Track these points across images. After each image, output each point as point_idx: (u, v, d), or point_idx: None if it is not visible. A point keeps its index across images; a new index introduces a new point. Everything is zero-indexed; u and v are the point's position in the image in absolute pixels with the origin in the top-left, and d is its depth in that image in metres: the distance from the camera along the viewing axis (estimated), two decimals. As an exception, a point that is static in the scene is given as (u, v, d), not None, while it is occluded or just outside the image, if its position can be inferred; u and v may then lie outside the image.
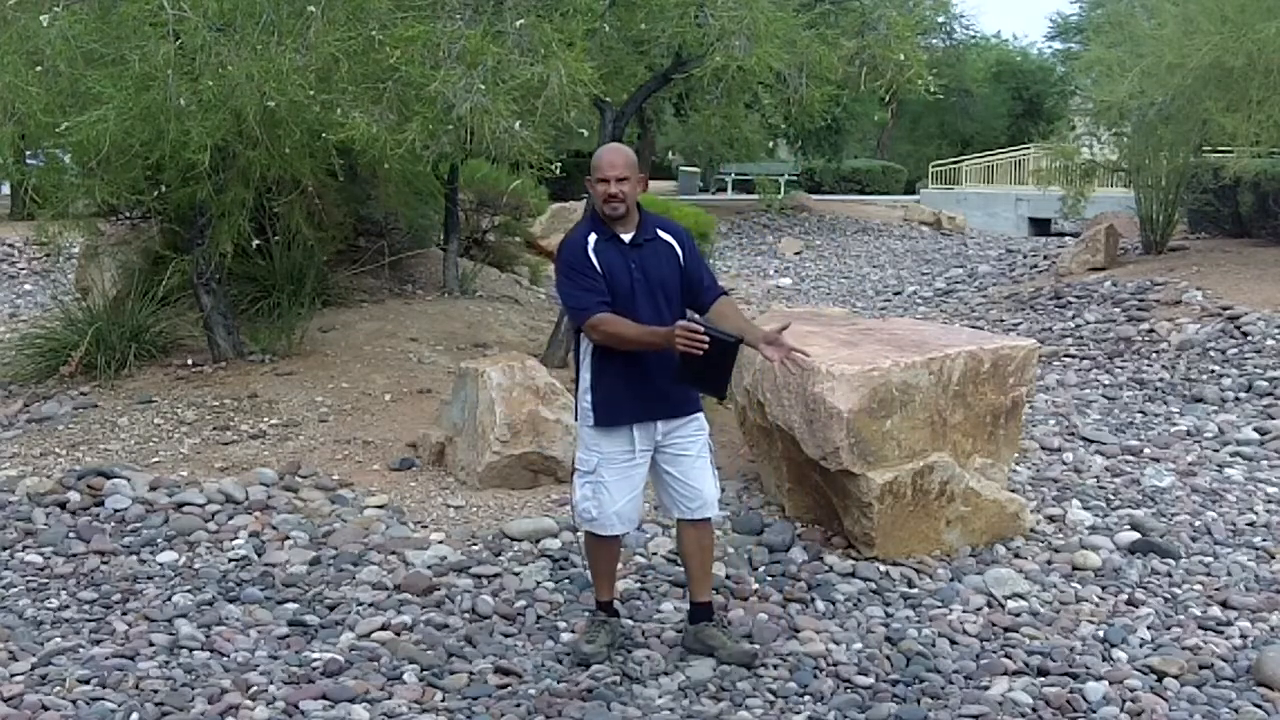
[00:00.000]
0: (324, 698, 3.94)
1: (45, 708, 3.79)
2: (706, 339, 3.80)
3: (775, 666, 4.29)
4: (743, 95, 8.90)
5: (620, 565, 4.66)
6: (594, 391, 4.15)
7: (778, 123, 21.64)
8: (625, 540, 4.75)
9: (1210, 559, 5.41)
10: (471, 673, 4.18)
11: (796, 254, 19.21)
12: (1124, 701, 4.10)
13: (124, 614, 4.56)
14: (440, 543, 5.26)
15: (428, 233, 10.43)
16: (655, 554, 5.21)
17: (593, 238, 4.13)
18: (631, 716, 3.94)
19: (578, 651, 4.28)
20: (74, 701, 3.85)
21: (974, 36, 32.80)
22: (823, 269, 17.84)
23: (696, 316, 4.00)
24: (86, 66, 5.77)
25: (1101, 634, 4.62)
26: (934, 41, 24.10)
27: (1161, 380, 8.90)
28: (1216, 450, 7.09)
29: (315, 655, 4.25)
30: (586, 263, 4.09)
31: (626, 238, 4.13)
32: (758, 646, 4.35)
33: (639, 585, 4.91)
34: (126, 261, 8.42)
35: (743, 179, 28.31)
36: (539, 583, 4.93)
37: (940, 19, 24.12)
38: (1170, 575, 5.23)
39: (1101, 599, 4.98)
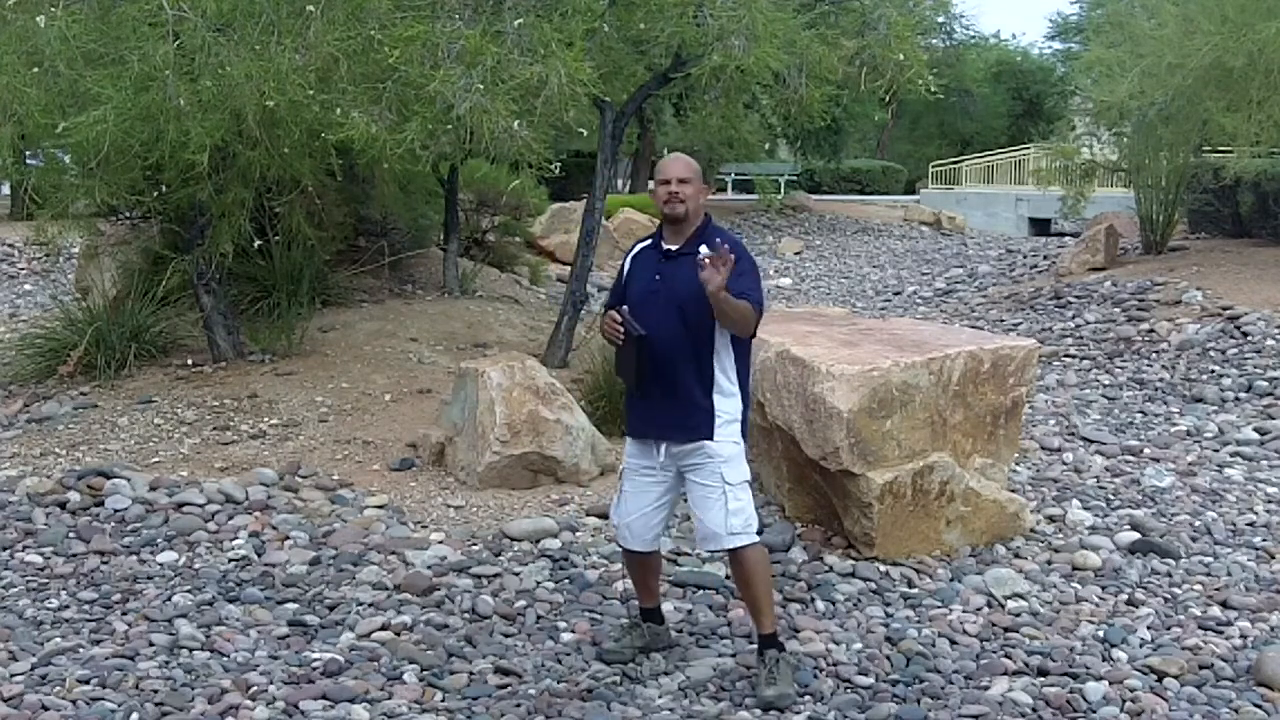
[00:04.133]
0: (324, 698, 3.94)
1: (45, 708, 3.79)
2: (623, 329, 3.94)
3: (775, 666, 4.29)
4: (741, 95, 8.90)
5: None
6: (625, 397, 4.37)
7: (777, 123, 21.70)
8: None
9: (1210, 559, 5.41)
10: (471, 673, 4.18)
11: (796, 254, 19.22)
12: (1124, 701, 4.10)
13: (124, 614, 4.56)
14: (440, 543, 5.26)
15: (428, 233, 10.42)
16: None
17: (640, 245, 4.30)
18: (631, 716, 3.94)
19: (600, 648, 4.35)
20: (74, 701, 3.85)
21: (974, 36, 32.88)
22: (823, 269, 17.84)
23: (624, 308, 4.01)
24: (85, 67, 5.77)
25: (1101, 634, 4.62)
26: (934, 41, 24.07)
27: (1161, 380, 8.89)
28: (1216, 450, 7.09)
29: (315, 655, 4.25)
30: (620, 266, 4.33)
31: (670, 248, 4.14)
32: (793, 691, 4.06)
33: (639, 585, 4.92)
34: (126, 261, 8.41)
35: (742, 179, 28.30)
36: (539, 583, 4.93)
37: (940, 19, 24.13)
38: (1170, 575, 5.23)
39: (1101, 599, 4.98)
